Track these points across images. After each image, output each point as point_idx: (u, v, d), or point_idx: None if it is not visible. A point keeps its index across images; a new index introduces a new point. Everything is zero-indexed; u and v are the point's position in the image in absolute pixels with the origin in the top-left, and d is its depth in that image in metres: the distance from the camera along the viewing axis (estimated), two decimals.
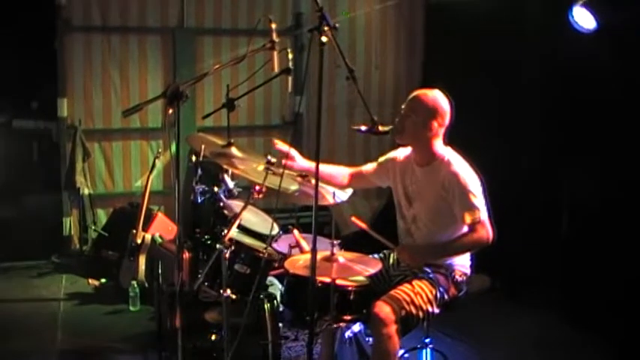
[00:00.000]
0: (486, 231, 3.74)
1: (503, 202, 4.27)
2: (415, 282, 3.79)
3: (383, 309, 3.63)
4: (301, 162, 4.12)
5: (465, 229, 3.81)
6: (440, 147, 3.93)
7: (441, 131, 3.91)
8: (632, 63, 5.03)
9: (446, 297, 3.86)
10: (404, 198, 4.07)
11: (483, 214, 3.75)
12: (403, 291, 3.74)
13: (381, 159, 4.23)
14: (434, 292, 3.79)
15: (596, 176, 5.38)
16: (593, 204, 5.38)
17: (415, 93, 3.94)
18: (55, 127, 7.24)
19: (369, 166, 4.27)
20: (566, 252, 5.62)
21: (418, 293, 3.74)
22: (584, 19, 5.14)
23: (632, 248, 5.08)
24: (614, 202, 5.20)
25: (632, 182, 5.09)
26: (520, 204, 6.10)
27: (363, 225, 3.92)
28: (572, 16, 5.17)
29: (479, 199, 3.77)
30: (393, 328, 3.61)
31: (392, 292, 3.74)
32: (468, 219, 3.74)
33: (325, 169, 4.16)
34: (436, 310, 3.82)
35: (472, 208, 3.74)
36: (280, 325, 4.19)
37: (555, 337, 5.26)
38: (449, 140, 4.00)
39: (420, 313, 3.74)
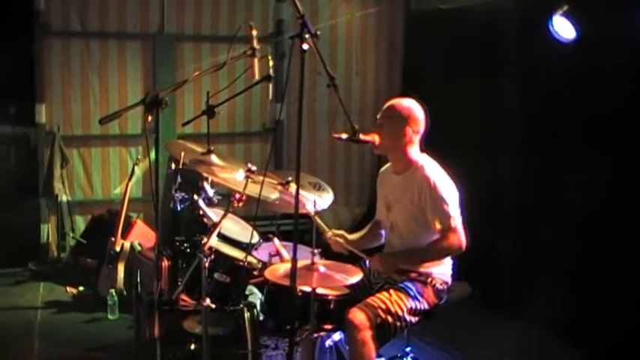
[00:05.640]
0: (458, 238, 3.76)
1: (482, 210, 4.27)
2: (393, 290, 3.80)
3: (357, 315, 3.64)
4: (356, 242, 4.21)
5: (437, 235, 3.82)
6: (416, 154, 3.96)
7: (417, 138, 3.95)
8: (610, 72, 5.06)
9: (425, 306, 3.85)
10: (384, 208, 4.10)
11: (455, 221, 3.78)
12: (380, 299, 3.75)
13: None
14: (412, 300, 3.80)
15: (575, 186, 5.40)
16: (574, 212, 5.38)
17: (390, 102, 4.01)
18: (33, 133, 7.17)
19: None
20: (546, 259, 5.62)
21: (395, 301, 3.74)
22: (564, 28, 5.17)
23: (613, 255, 5.11)
24: (596, 212, 5.21)
25: (614, 191, 5.12)
26: (500, 212, 6.12)
27: (340, 241, 4.04)
28: (552, 26, 5.20)
29: (451, 206, 3.79)
30: (367, 334, 3.61)
31: (368, 300, 3.76)
32: (438, 225, 3.77)
33: (365, 239, 4.26)
34: (414, 319, 3.82)
35: (443, 214, 3.77)
36: (259, 334, 4.16)
37: (536, 344, 5.27)
38: (430, 147, 4.02)
39: (397, 322, 3.74)
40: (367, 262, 4.13)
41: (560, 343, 5.21)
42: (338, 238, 4.12)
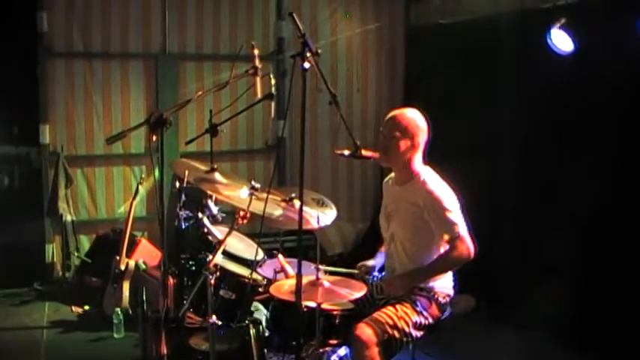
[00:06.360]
0: (466, 246, 3.77)
1: (483, 220, 4.29)
2: (398, 306, 3.81)
3: (365, 331, 3.64)
4: (377, 263, 4.26)
5: (445, 246, 3.84)
6: (419, 165, 3.98)
7: (420, 148, 3.97)
8: (608, 83, 5.11)
9: (430, 320, 3.87)
10: (384, 218, 4.13)
11: (461, 228, 3.79)
12: (386, 314, 3.76)
13: None
14: (417, 315, 3.81)
15: (576, 194, 5.43)
16: (576, 221, 5.42)
17: (392, 113, 4.00)
18: (35, 153, 7.20)
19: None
20: (549, 268, 5.64)
21: (401, 317, 3.76)
22: (562, 41, 5.21)
23: (617, 263, 5.14)
24: (597, 220, 5.24)
25: (615, 198, 5.15)
26: (500, 222, 6.14)
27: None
28: (551, 39, 5.24)
29: (455, 214, 3.81)
30: (375, 351, 3.62)
31: (375, 315, 3.76)
32: (446, 236, 3.78)
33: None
34: (419, 334, 3.83)
35: (449, 224, 3.78)
36: (265, 350, 4.18)
37: (541, 354, 5.27)
38: (432, 159, 4.06)
39: (404, 337, 3.75)
40: (370, 279, 4.16)
41: (565, 352, 5.21)
42: (367, 276, 4.17)
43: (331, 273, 4.07)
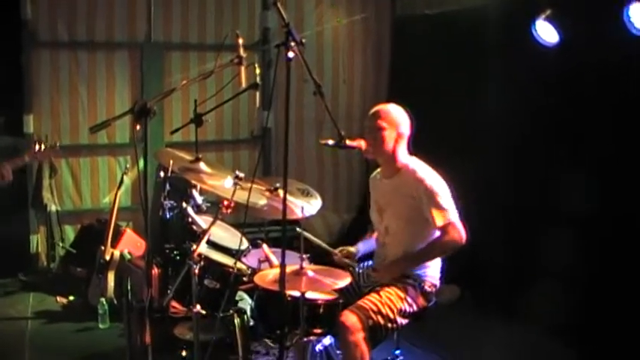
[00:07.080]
0: (458, 232, 3.81)
1: (470, 212, 4.30)
2: (383, 293, 3.84)
3: (349, 318, 3.67)
4: (362, 249, 4.29)
5: (437, 233, 3.87)
6: (404, 157, 4.04)
7: (404, 141, 4.04)
8: (594, 74, 5.13)
9: (415, 308, 3.90)
10: (376, 213, 4.16)
11: (452, 214, 3.83)
12: (370, 301, 3.79)
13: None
14: (402, 302, 3.85)
15: (563, 187, 5.45)
16: (562, 214, 5.44)
17: (376, 108, 4.07)
18: (20, 143, 7.15)
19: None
20: (535, 260, 5.67)
21: (386, 303, 3.79)
22: (547, 32, 5.22)
23: (600, 255, 5.17)
24: (583, 212, 5.26)
25: (601, 191, 5.18)
26: (488, 214, 6.15)
27: (347, 261, 4.17)
28: (536, 30, 5.25)
29: (446, 200, 3.86)
30: (360, 336, 3.65)
31: (359, 302, 3.80)
32: (439, 222, 3.81)
33: (370, 245, 4.30)
34: (404, 321, 3.87)
35: (440, 210, 3.83)
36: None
37: (525, 345, 5.29)
38: (419, 151, 4.10)
39: (388, 324, 3.78)
40: (357, 267, 4.18)
41: (550, 343, 5.24)
42: (345, 259, 4.19)
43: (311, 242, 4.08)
